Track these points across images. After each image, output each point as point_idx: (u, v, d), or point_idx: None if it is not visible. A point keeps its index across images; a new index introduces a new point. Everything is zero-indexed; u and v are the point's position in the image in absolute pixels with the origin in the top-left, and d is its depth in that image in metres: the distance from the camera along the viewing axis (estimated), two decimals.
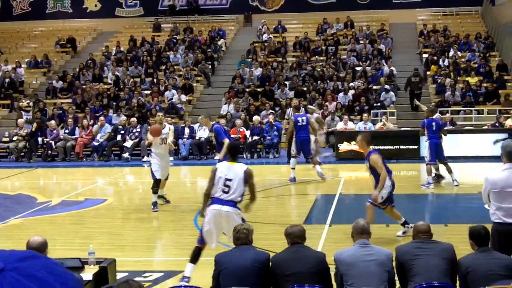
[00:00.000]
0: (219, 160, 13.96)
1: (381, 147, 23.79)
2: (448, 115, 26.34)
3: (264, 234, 13.00)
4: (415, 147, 23.58)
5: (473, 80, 31.15)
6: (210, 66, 35.35)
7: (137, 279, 9.44)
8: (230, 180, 9.90)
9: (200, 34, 38.48)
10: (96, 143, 26.84)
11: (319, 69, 33.27)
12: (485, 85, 30.74)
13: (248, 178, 9.93)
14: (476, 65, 32.67)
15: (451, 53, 33.81)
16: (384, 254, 7.56)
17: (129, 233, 14.41)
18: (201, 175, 23.18)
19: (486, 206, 8.98)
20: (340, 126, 26.06)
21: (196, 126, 26.60)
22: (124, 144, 26.35)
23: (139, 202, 18.36)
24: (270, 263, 7.64)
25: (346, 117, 26.64)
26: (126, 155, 26.04)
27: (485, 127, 25.44)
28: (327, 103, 28.91)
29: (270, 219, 14.79)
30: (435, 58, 33.59)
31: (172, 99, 31.03)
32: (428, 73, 33.03)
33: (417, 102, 24.81)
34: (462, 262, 7.43)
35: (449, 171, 18.04)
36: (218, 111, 29.92)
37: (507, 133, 23.36)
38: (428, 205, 16.13)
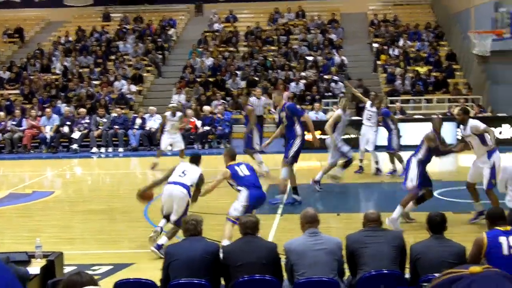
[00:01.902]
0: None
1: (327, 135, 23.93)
2: (398, 104, 26.52)
3: (215, 225, 12.87)
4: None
5: (422, 69, 31.40)
6: (160, 56, 35.05)
7: (86, 272, 9.28)
8: None
9: (150, 23, 38.12)
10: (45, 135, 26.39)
11: (270, 59, 33.18)
12: (434, 74, 31.04)
13: None
14: (426, 55, 32.95)
15: (401, 42, 34.01)
16: (333, 242, 7.52)
17: (78, 226, 14.18)
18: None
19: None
20: None
21: (146, 116, 26.34)
22: (72, 136, 25.94)
23: (88, 194, 18.11)
24: (221, 254, 7.55)
25: (297, 106, 26.59)
26: (74, 146, 25.66)
27: (434, 116, 25.58)
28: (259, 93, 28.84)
29: (221, 210, 14.65)
30: (385, 47, 33.78)
31: (122, 89, 30.70)
32: (378, 62, 33.20)
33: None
34: (413, 248, 7.45)
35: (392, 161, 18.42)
36: (168, 101, 29.62)
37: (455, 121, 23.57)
38: (379, 193, 16.13)
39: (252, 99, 24.32)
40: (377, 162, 18.79)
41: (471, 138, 12.52)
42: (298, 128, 15.01)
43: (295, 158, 15.09)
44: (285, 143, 16.25)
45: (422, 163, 12.73)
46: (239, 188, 11.87)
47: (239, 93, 29.60)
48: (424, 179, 12.79)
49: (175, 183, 11.79)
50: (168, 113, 21.01)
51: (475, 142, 12.43)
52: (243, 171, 11.94)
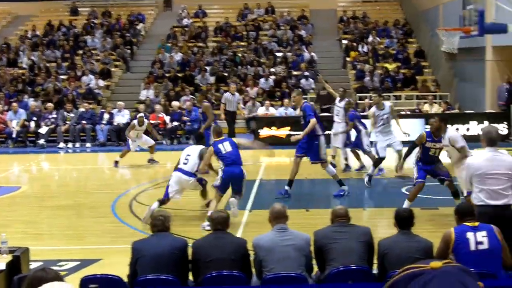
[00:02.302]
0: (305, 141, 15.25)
1: (301, 132, 23.95)
2: (366, 100, 26.59)
3: (184, 221, 12.87)
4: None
5: (391, 66, 31.54)
6: (129, 51, 34.85)
7: (52, 268, 9.18)
8: None
9: (119, 18, 37.88)
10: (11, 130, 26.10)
11: (240, 55, 33.14)
12: (403, 71, 31.20)
13: None
14: (394, 52, 33.11)
15: (370, 39, 34.13)
16: (302, 238, 7.52)
17: (45, 221, 14.08)
18: (119, 161, 22.83)
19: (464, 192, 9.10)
20: (261, 111, 26.00)
21: (115, 111, 26.17)
22: (39, 131, 25.69)
23: (55, 190, 17.98)
24: (191, 250, 7.52)
25: (267, 102, 26.60)
26: (41, 141, 25.42)
27: (403, 112, 25.75)
28: (248, 89, 28.83)
29: (190, 205, 14.62)
30: (355, 44, 33.88)
31: (89, 84, 30.47)
32: (347, 59, 33.30)
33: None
34: (381, 244, 7.47)
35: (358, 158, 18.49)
36: (137, 97, 29.56)
37: (424, 118, 23.76)
38: (348, 189, 16.14)
39: (227, 94, 24.27)
40: (346, 159, 18.83)
41: (449, 148, 12.88)
42: (316, 127, 15.19)
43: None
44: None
45: (420, 160, 13.21)
46: (220, 164, 13.09)
47: (208, 88, 29.54)
48: (433, 173, 13.20)
49: (181, 170, 13.28)
50: (135, 121, 20.79)
51: (454, 152, 12.81)
52: (225, 147, 12.97)
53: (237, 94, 24.45)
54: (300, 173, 17.92)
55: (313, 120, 15.03)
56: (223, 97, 24.50)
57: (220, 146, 12.96)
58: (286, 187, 15.37)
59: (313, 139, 15.16)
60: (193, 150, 13.52)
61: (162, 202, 13.03)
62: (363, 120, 18.58)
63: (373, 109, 17.41)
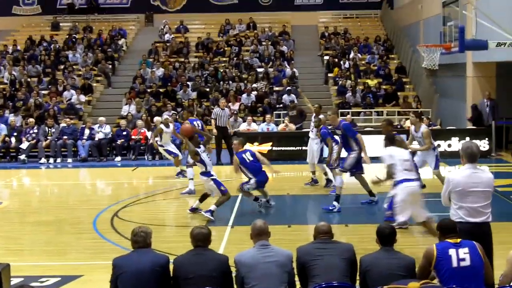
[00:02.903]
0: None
1: (283, 148, 24.01)
2: (348, 116, 26.68)
3: (165, 237, 12.80)
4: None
5: (372, 82, 31.67)
6: (110, 66, 34.77)
7: (33, 284, 9.11)
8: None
9: (100, 33, 37.83)
10: None
11: (221, 70, 33.17)
12: (384, 87, 31.33)
13: None
14: (376, 68, 33.24)
15: (352, 55, 34.27)
16: (284, 255, 7.49)
17: (26, 237, 13.96)
18: (100, 177, 22.76)
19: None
20: (243, 127, 25.99)
21: (96, 127, 26.05)
22: (20, 146, 25.53)
23: (37, 205, 17.84)
24: (171, 266, 7.46)
25: (249, 118, 26.61)
26: (22, 157, 25.25)
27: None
28: (230, 104, 28.83)
29: (171, 221, 14.60)
30: (336, 60, 33.99)
31: (71, 99, 30.36)
32: (329, 74, 33.40)
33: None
34: (363, 260, 7.45)
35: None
36: (118, 112, 29.47)
37: (405, 134, 23.79)
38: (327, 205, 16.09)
39: (217, 110, 24.12)
40: (326, 174, 18.72)
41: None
42: (354, 144, 15.57)
43: (356, 169, 15.67)
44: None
45: None
46: (248, 174, 15.14)
47: (189, 103, 29.52)
48: None
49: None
50: (162, 125, 20.50)
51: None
52: (248, 157, 15.02)
53: (227, 109, 24.36)
54: (282, 189, 17.98)
55: (359, 135, 15.57)
56: (213, 112, 24.36)
57: (244, 156, 15.00)
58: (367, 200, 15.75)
59: (349, 153, 15.63)
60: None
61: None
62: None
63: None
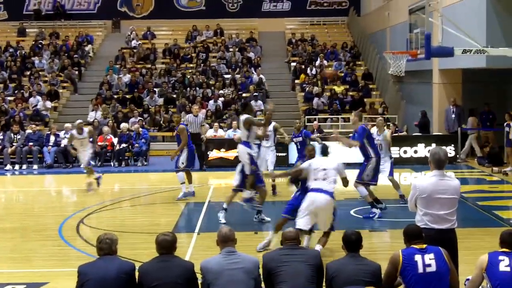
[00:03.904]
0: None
1: None
2: (315, 122, 26.75)
3: (131, 244, 12.69)
4: (284, 154, 23.73)
5: (339, 88, 31.79)
6: (76, 72, 34.53)
7: None
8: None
9: (66, 39, 37.58)
10: None
11: (188, 76, 33.09)
12: (351, 93, 31.46)
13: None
14: (343, 74, 33.36)
15: (318, 62, 34.38)
16: (250, 261, 7.45)
17: None
18: (66, 183, 22.58)
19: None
20: (210, 133, 25.93)
21: (61, 133, 25.81)
22: None
23: (2, 212, 17.62)
24: (137, 273, 7.39)
25: (216, 124, 26.54)
26: None
27: (351, 134, 25.86)
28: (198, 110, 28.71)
29: (138, 228, 14.49)
30: (303, 66, 34.08)
31: (37, 105, 30.09)
32: (296, 81, 33.47)
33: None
34: (329, 266, 7.44)
35: None
36: (84, 118, 29.17)
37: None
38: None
39: (188, 116, 23.97)
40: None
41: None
42: (370, 150, 15.34)
43: (373, 178, 15.32)
44: None
45: None
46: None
47: (156, 110, 29.41)
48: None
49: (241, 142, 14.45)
50: (74, 131, 20.21)
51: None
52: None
53: (200, 115, 24.17)
54: None
55: (355, 142, 15.49)
56: (185, 118, 24.22)
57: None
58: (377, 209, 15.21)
59: (366, 160, 15.36)
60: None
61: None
62: None
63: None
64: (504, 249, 7.56)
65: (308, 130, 21.10)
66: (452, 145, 24.47)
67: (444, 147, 21.83)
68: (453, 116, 25.66)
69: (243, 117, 14.32)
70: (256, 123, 14.66)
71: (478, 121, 25.46)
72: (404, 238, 7.59)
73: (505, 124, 22.31)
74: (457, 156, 24.52)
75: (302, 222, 11.29)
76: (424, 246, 7.35)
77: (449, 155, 23.38)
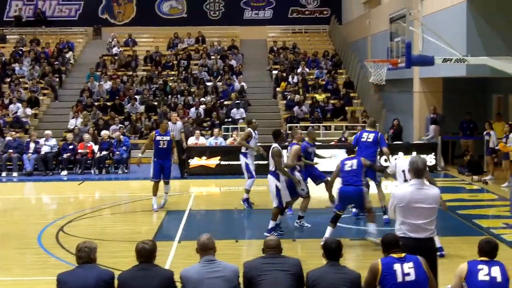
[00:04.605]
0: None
1: (232, 162, 23.88)
2: (299, 131, 26.72)
3: (111, 252, 12.63)
4: (265, 162, 23.64)
5: (321, 96, 31.84)
6: (57, 79, 34.38)
7: None
8: None
9: (47, 46, 37.43)
10: None
11: (170, 84, 33.04)
12: (332, 101, 31.52)
13: None
14: (324, 82, 33.44)
15: (300, 70, 34.44)
16: (230, 270, 7.42)
17: None
18: (46, 191, 22.45)
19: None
20: (191, 141, 25.85)
21: (41, 140, 25.66)
22: None
23: None
24: (116, 282, 7.35)
25: (197, 132, 26.47)
26: None
27: (332, 142, 25.95)
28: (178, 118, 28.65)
29: (118, 236, 14.43)
30: (285, 74, 34.13)
31: (17, 112, 29.92)
32: (278, 89, 33.50)
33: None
34: (309, 275, 7.42)
35: None
36: (65, 125, 29.15)
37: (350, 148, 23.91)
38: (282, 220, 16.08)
39: (168, 123, 23.85)
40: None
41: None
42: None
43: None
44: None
45: None
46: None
47: (137, 117, 29.33)
48: None
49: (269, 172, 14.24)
50: (249, 129, 18.04)
51: None
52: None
53: (179, 122, 24.09)
54: (230, 203, 17.93)
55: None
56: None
57: (347, 162, 13.72)
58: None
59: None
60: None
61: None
62: None
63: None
64: (483, 258, 7.60)
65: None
66: (433, 153, 24.56)
67: (424, 156, 21.94)
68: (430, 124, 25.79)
69: (274, 146, 14.23)
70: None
71: (459, 129, 25.64)
72: (382, 248, 7.58)
73: (485, 133, 22.42)
74: (437, 164, 24.60)
75: None
76: (403, 255, 7.36)
77: (429, 164, 23.48)
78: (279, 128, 15.80)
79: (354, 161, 13.56)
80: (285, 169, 14.16)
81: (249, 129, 17.69)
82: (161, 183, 17.38)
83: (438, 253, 12.07)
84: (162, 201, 17.56)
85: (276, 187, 13.99)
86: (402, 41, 17.33)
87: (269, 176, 14.16)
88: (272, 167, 14.06)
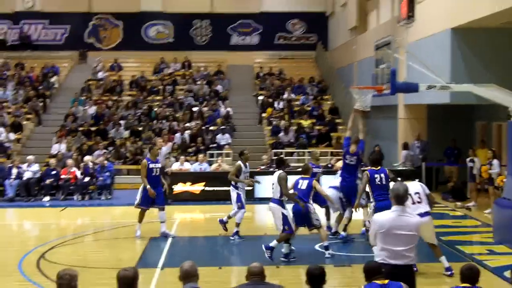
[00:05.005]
0: None
1: (216, 188, 23.78)
2: (282, 156, 26.67)
3: (93, 280, 12.47)
4: (250, 188, 23.64)
5: (306, 122, 31.83)
6: (41, 104, 34.21)
7: None
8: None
9: (32, 70, 37.30)
10: None
11: (155, 109, 32.96)
12: (317, 127, 31.51)
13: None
14: (310, 108, 33.44)
15: (286, 95, 34.46)
16: None
17: None
18: (27, 217, 22.22)
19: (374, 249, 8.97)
20: (175, 166, 25.74)
21: (24, 166, 25.44)
22: None
23: None
24: None
25: (182, 157, 26.36)
26: None
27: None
28: (162, 143, 28.58)
29: (100, 263, 14.26)
30: (270, 100, 34.13)
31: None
32: (263, 114, 33.48)
33: None
34: None
35: None
36: (48, 151, 28.94)
37: (335, 174, 23.88)
38: (261, 246, 15.96)
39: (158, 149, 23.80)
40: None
41: None
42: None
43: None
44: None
45: None
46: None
47: (121, 142, 29.17)
48: None
49: (271, 199, 14.41)
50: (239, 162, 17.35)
51: None
52: (381, 179, 14.44)
53: (164, 148, 24.01)
54: (214, 230, 17.78)
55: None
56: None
57: (376, 176, 14.31)
58: None
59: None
60: (276, 178, 14.29)
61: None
62: None
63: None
64: (465, 284, 7.59)
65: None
66: (417, 179, 24.45)
67: (406, 183, 21.87)
68: (418, 151, 25.81)
69: (280, 172, 14.35)
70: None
71: (444, 156, 25.68)
72: (364, 275, 7.52)
73: (468, 159, 22.44)
74: None
75: None
76: (386, 281, 7.33)
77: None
78: (280, 156, 15.83)
79: (382, 175, 14.20)
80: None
81: (239, 162, 17.11)
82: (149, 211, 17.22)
83: (448, 273, 12.26)
84: (166, 231, 17.26)
85: (283, 214, 14.02)
86: (387, 68, 17.33)
87: (273, 204, 14.25)
88: (276, 195, 14.14)
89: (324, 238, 14.45)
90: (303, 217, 14.15)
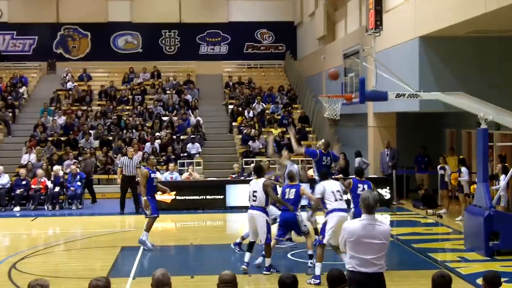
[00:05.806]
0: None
1: (187, 197, 23.81)
2: (252, 165, 26.73)
3: None
4: (221, 196, 23.73)
5: (276, 131, 31.92)
6: (10, 114, 33.99)
7: None
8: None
9: (0, 81, 37.05)
10: None
11: (125, 118, 32.88)
12: (287, 136, 31.56)
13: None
14: (280, 117, 33.57)
15: (255, 104, 34.56)
16: None
17: None
18: None
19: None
20: None
21: None
22: None
23: None
24: None
25: None
26: None
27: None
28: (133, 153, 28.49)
29: (72, 273, 14.21)
30: (240, 109, 34.21)
31: None
32: (234, 123, 33.54)
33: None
34: None
35: None
36: (18, 161, 28.75)
37: (308, 183, 23.99)
38: (237, 255, 15.97)
39: (123, 158, 23.73)
40: None
41: None
42: None
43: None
44: None
45: None
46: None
47: (91, 152, 29.04)
48: None
49: (251, 207, 14.02)
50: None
51: None
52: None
53: (135, 158, 23.97)
54: (186, 239, 17.80)
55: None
56: (120, 161, 24.09)
57: (359, 185, 14.12)
58: None
59: None
60: (257, 186, 14.01)
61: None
62: None
63: None
64: None
65: None
66: (387, 187, 24.70)
67: (377, 191, 22.04)
68: (387, 159, 26.00)
69: (263, 181, 14.13)
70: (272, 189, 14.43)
71: (414, 163, 25.87)
72: (328, 284, 7.50)
73: (439, 167, 22.63)
74: (392, 198, 24.74)
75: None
76: None
77: (385, 198, 23.65)
78: (260, 164, 15.45)
79: (366, 186, 14.11)
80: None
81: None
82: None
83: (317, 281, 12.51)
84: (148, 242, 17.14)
85: (267, 222, 13.95)
86: (356, 77, 17.45)
87: (256, 212, 13.96)
88: (261, 203, 13.90)
89: (310, 247, 14.37)
90: (292, 225, 14.15)
